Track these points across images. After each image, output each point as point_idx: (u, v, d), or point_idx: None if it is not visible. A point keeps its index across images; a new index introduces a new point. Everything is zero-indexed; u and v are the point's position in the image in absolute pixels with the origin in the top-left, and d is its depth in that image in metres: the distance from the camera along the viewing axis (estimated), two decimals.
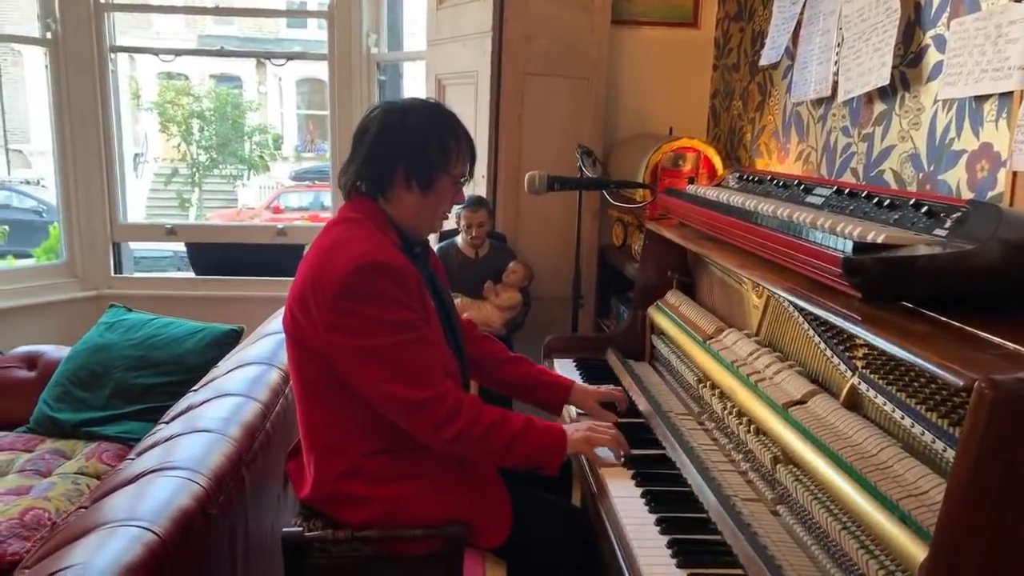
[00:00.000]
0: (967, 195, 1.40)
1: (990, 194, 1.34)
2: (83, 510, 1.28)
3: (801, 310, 1.42)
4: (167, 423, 1.68)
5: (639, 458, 1.53)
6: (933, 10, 1.50)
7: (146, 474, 1.34)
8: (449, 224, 2.16)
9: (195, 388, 1.91)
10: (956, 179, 1.43)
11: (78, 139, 3.14)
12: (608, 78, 2.61)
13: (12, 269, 3.42)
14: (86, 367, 2.28)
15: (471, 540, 1.50)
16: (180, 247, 6.46)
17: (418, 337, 1.45)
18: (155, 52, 4.04)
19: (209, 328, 2.38)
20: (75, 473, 1.96)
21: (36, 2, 3.07)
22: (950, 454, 1.01)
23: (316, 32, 17.54)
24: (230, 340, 2.35)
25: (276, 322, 2.21)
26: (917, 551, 0.91)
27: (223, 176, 11.82)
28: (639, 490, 1.39)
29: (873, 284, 1.09)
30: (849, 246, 1.11)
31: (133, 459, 1.49)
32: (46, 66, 3.12)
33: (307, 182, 15.20)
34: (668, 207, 1.88)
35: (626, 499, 1.38)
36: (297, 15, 11.65)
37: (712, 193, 1.81)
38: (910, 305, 1.09)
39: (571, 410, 1.76)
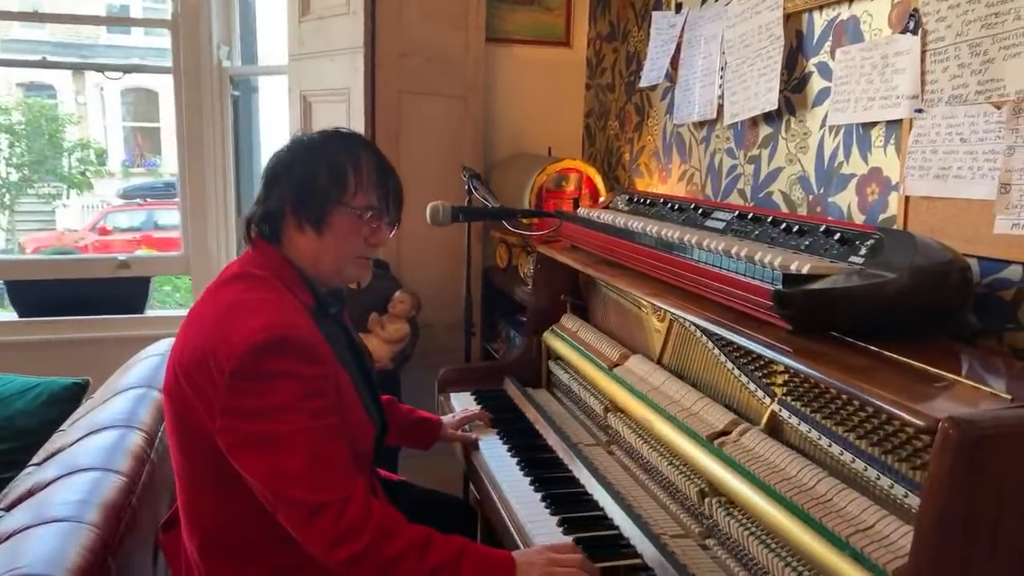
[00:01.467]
0: (858, 217, 1.45)
1: (882, 217, 1.39)
2: None
3: (712, 337, 1.42)
4: (5, 511, 1.41)
5: (561, 498, 1.45)
6: (815, 38, 1.55)
7: None
8: None
9: (36, 462, 1.62)
10: (847, 202, 1.48)
11: None
12: (484, 97, 2.55)
13: None
14: None
15: None
16: None
17: (324, 426, 1.22)
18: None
19: (45, 383, 2.05)
20: None
21: None
22: (884, 481, 1.02)
23: (143, 39, 16.32)
24: (72, 396, 2.05)
25: (131, 374, 1.95)
26: None
27: (40, 196, 10.63)
28: (568, 537, 1.31)
29: (803, 316, 1.08)
30: (778, 277, 1.10)
31: None
32: None
33: (138, 200, 14.07)
34: (566, 233, 1.83)
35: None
36: (138, 23, 10.63)
37: (608, 217, 1.79)
38: (836, 335, 1.10)
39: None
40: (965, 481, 0.78)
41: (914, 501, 0.96)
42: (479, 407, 1.86)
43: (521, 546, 1.31)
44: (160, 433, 1.69)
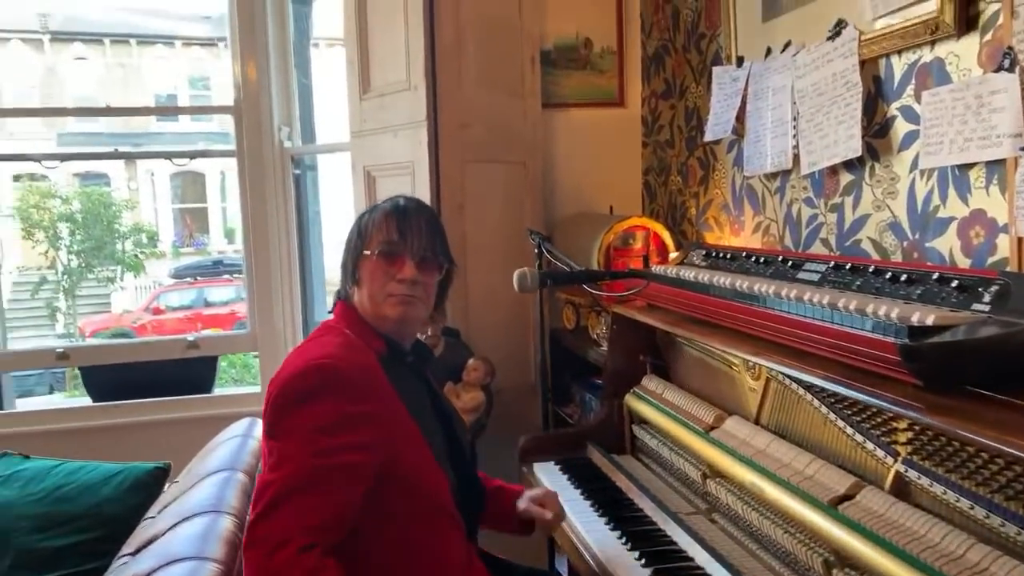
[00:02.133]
0: (962, 262, 1.39)
1: (990, 260, 1.33)
2: None
3: (819, 395, 1.36)
4: None
5: (670, 573, 1.38)
6: (896, 83, 1.52)
7: None
8: None
9: (129, 551, 1.61)
10: (948, 246, 1.42)
11: None
12: (543, 160, 2.56)
13: None
14: None
15: None
16: None
17: (322, 466, 1.24)
18: (38, 159, 3.68)
19: (128, 468, 2.06)
20: None
21: None
22: (1014, 532, 0.95)
23: (190, 124, 17.05)
24: (156, 480, 2.04)
25: (214, 457, 1.94)
26: None
27: (99, 280, 11.01)
28: None
29: (933, 370, 1.03)
30: (902, 330, 1.05)
31: None
32: None
33: (188, 279, 14.47)
34: (647, 293, 1.80)
35: None
36: (203, 111, 11.26)
37: (689, 273, 1.75)
38: (968, 388, 1.04)
39: None
40: None
41: None
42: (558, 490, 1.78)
43: None
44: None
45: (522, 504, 1.58)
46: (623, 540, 1.52)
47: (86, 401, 3.09)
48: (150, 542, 1.60)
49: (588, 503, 1.70)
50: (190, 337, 3.04)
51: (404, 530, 1.34)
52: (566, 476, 1.86)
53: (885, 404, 1.08)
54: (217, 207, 17.54)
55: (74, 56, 16.43)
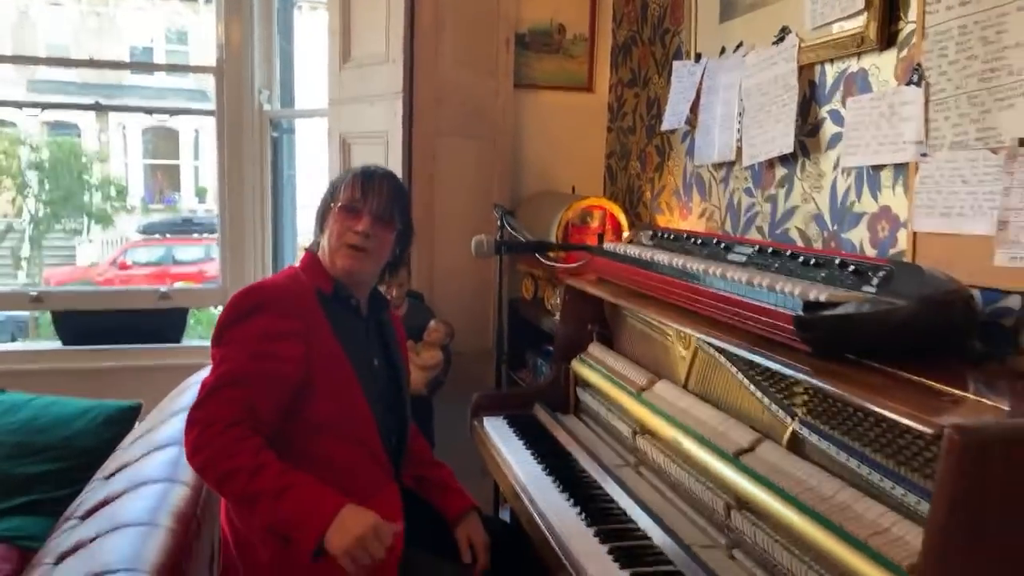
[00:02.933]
0: (870, 252, 1.57)
1: (892, 251, 1.51)
2: None
3: (735, 362, 1.53)
4: (80, 519, 1.52)
5: (596, 512, 1.55)
6: (827, 88, 1.69)
7: None
8: None
9: (102, 476, 1.74)
10: (859, 238, 1.60)
11: None
12: (512, 139, 2.70)
13: None
14: None
15: None
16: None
17: (248, 368, 1.46)
18: (19, 105, 3.68)
19: (101, 405, 2.18)
20: None
21: None
22: (898, 490, 1.12)
23: (164, 79, 16.75)
24: (127, 417, 2.17)
25: (186, 396, 2.07)
26: None
27: (66, 231, 10.89)
28: (604, 547, 1.41)
29: (822, 339, 1.20)
30: (798, 304, 1.22)
31: (51, 565, 1.33)
32: None
33: (157, 235, 14.32)
34: (594, 267, 1.95)
35: (591, 555, 1.40)
36: (184, 70, 11.21)
37: (634, 251, 1.91)
38: (852, 357, 1.21)
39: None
40: (969, 481, 0.89)
41: (925, 507, 1.06)
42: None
43: (563, 559, 1.41)
44: None
45: (459, 530, 1.71)
46: (559, 488, 1.68)
47: (56, 345, 3.18)
48: (123, 468, 1.74)
49: (529, 453, 1.87)
50: (163, 288, 3.14)
51: (325, 447, 1.54)
52: (512, 429, 2.02)
53: (780, 367, 1.25)
54: (189, 165, 17.36)
55: (48, 1, 16.04)
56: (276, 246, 3.20)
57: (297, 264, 1.71)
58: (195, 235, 14.62)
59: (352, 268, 1.61)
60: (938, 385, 1.06)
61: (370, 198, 1.61)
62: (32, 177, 9.71)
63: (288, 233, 3.32)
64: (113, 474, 1.73)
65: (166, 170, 17.06)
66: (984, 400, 1.02)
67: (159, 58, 17.45)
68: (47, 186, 9.92)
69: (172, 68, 16.55)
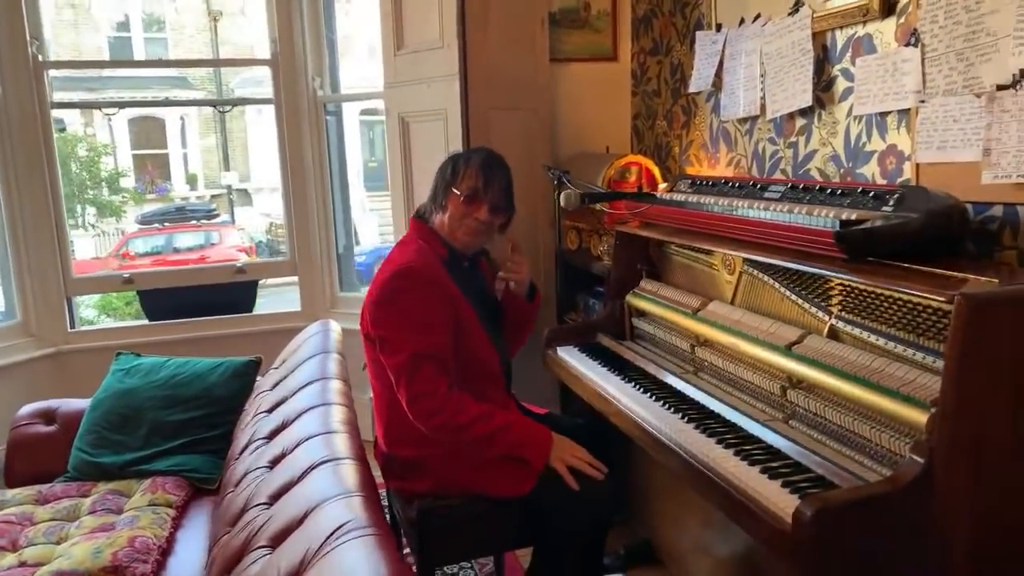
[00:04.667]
0: (881, 182, 1.95)
1: (899, 180, 1.89)
2: (266, 550, 1.39)
3: (777, 277, 1.91)
4: (266, 439, 1.90)
5: (675, 405, 1.94)
6: (838, 50, 2.05)
7: (305, 473, 1.56)
8: None
9: (264, 410, 2.11)
10: (871, 171, 1.98)
11: (25, 198, 3.13)
12: (551, 107, 3.04)
13: None
14: (115, 412, 2.38)
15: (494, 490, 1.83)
16: None
17: (426, 340, 1.81)
18: (99, 106, 3.96)
19: (228, 361, 2.54)
20: (148, 505, 2.09)
21: None
22: (919, 355, 1.51)
23: (145, 68, 16.73)
24: (250, 370, 2.53)
25: (308, 345, 2.43)
26: (919, 415, 1.39)
27: (75, 227, 11.11)
28: (690, 425, 1.81)
29: (856, 248, 1.58)
30: (835, 223, 1.60)
31: (267, 468, 1.71)
32: None
33: (156, 225, 14.49)
34: (646, 214, 2.32)
35: (683, 431, 1.79)
36: (244, 63, 11.29)
37: (681, 197, 2.28)
38: (875, 260, 1.59)
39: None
40: (974, 331, 1.28)
41: (940, 363, 1.44)
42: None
43: (664, 440, 1.79)
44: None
45: (501, 289, 2.17)
46: (635, 387, 2.07)
47: (144, 322, 3.52)
48: (279, 404, 2.11)
49: (605, 368, 2.25)
50: (238, 263, 3.48)
51: (464, 378, 1.90)
52: (584, 354, 2.40)
53: (826, 272, 1.63)
54: (178, 153, 17.43)
55: None
56: (335, 216, 3.53)
57: (408, 231, 2.05)
58: (192, 222, 14.79)
59: (472, 245, 1.99)
60: (945, 272, 1.44)
61: (490, 191, 1.92)
62: None
63: (340, 205, 3.65)
64: (272, 409, 2.10)
65: (155, 159, 17.14)
66: (979, 279, 1.40)
67: (138, 47, 17.43)
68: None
69: (230, 63, 16.52)
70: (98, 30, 16.82)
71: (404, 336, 1.82)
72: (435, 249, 1.95)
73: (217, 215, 15.91)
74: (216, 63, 18.16)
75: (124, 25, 17.19)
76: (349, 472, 1.50)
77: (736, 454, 1.63)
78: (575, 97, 3.14)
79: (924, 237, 1.56)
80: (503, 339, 2.12)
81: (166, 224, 14.50)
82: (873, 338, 1.62)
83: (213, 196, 17.26)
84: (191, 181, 17.54)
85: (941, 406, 1.32)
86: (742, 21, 2.41)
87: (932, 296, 1.34)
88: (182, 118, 16.96)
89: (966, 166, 1.68)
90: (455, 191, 1.94)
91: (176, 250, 13.66)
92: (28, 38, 3.12)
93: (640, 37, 3.12)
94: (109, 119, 16.22)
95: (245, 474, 1.80)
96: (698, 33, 2.61)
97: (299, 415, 1.93)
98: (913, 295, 1.45)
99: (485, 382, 1.97)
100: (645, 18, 3.06)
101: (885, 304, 1.59)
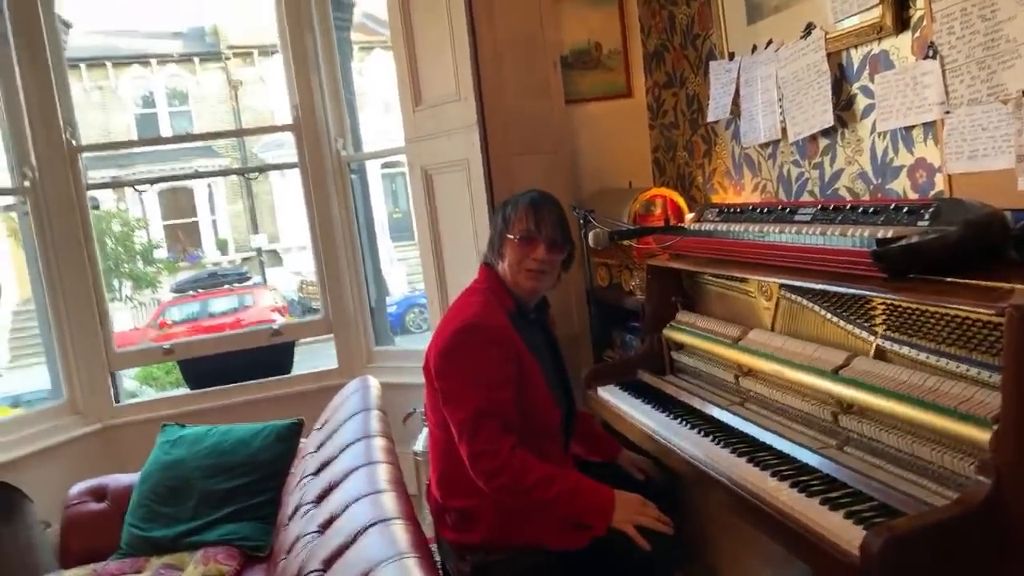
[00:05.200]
0: (912, 196, 1.92)
1: (932, 193, 1.86)
2: None
3: (816, 300, 1.88)
4: (314, 503, 1.89)
5: (724, 439, 1.90)
6: (855, 69, 2.05)
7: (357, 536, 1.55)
8: None
9: (310, 473, 2.11)
10: (902, 186, 1.95)
11: (66, 278, 3.22)
12: (570, 148, 3.07)
13: (13, 418, 3.38)
14: (163, 484, 2.40)
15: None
16: None
17: (492, 396, 1.77)
18: (131, 184, 4.09)
19: (270, 426, 2.55)
20: None
21: (9, 152, 3.17)
22: (972, 371, 1.47)
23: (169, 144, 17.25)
24: (294, 433, 2.54)
25: (348, 404, 2.44)
26: (981, 433, 1.34)
27: (112, 299, 11.39)
28: (742, 459, 1.77)
29: (895, 266, 1.55)
30: (872, 242, 1.57)
31: (317, 534, 1.70)
32: (26, 212, 3.20)
33: (191, 292, 14.80)
34: (676, 246, 2.31)
35: (735, 466, 1.74)
36: (269, 131, 11.54)
37: (710, 227, 2.27)
38: (916, 276, 1.56)
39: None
40: None
41: (996, 378, 1.40)
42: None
43: (714, 475, 1.75)
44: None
45: (622, 459, 2.15)
46: (681, 423, 2.04)
47: (186, 391, 3.57)
48: (325, 465, 2.11)
49: (649, 406, 2.22)
50: (275, 326, 3.52)
51: (524, 436, 1.85)
52: (627, 392, 2.38)
53: (866, 292, 1.60)
54: (207, 220, 17.89)
55: None
56: (367, 274, 3.57)
57: (477, 277, 2.01)
58: (225, 286, 15.09)
59: (536, 289, 1.95)
60: (991, 283, 1.41)
61: (544, 229, 1.88)
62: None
63: (371, 260, 3.70)
64: (318, 471, 2.10)
65: (185, 228, 17.59)
66: None
67: (163, 121, 18.03)
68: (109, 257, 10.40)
69: (254, 132, 17.04)
70: (124, 109, 17.48)
71: (468, 392, 1.79)
72: (502, 301, 1.93)
73: (249, 278, 16.23)
74: (240, 133, 18.74)
75: (149, 100, 17.85)
76: (400, 533, 1.49)
77: (792, 486, 1.58)
78: (593, 135, 3.17)
79: (964, 249, 1.53)
80: (568, 396, 2.09)
81: (200, 291, 14.82)
82: (923, 356, 1.58)
83: (244, 259, 17.63)
84: (221, 246, 17.93)
85: (1003, 422, 1.28)
86: (754, 48, 2.42)
87: (981, 310, 1.31)
88: (209, 186, 17.45)
89: (1000, 174, 1.65)
90: (509, 236, 1.91)
91: (211, 315, 13.93)
92: (62, 124, 3.25)
93: (653, 71, 3.15)
94: (140, 194, 16.74)
95: (297, 539, 1.80)
96: (711, 63, 2.63)
97: (346, 475, 1.92)
98: (961, 310, 1.41)
99: (544, 440, 1.93)
100: (656, 53, 3.09)
101: (932, 320, 1.56)
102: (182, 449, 2.49)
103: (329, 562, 1.53)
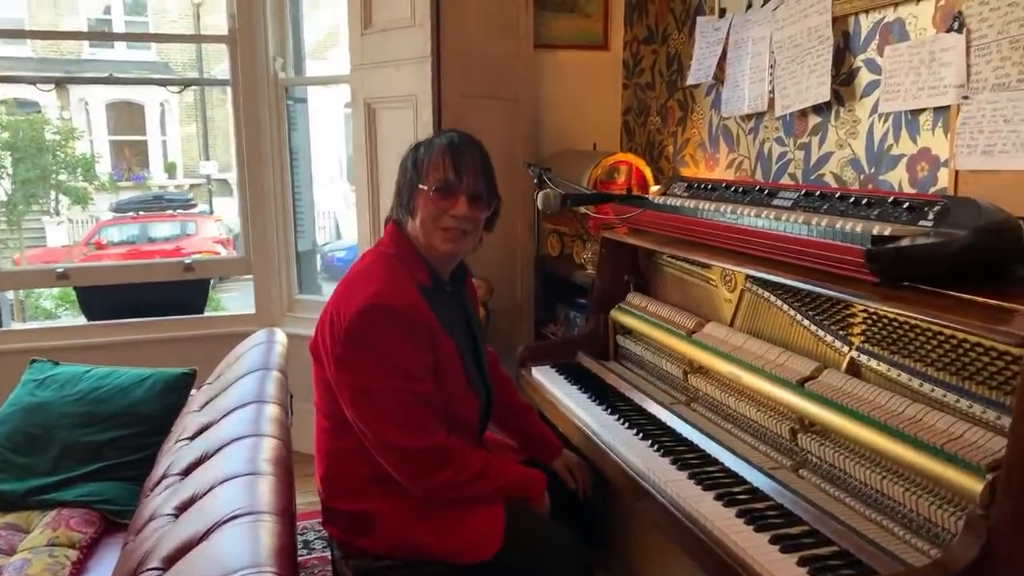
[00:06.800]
0: (909, 191, 1.68)
1: (932, 189, 1.62)
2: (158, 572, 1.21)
3: (786, 298, 1.64)
4: (180, 475, 1.60)
5: (665, 445, 1.66)
6: (862, 38, 1.78)
7: (212, 530, 1.27)
8: None
9: (185, 437, 1.81)
10: (897, 179, 1.71)
11: None
12: (533, 99, 2.76)
13: None
14: (21, 430, 2.07)
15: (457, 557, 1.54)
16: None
17: (413, 389, 1.50)
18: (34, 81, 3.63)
19: (157, 373, 2.23)
20: (46, 546, 1.78)
21: None
22: (963, 403, 1.24)
23: (125, 52, 16.31)
24: (184, 384, 2.22)
25: (247, 358, 2.13)
26: (972, 482, 1.12)
27: (44, 212, 10.71)
28: (683, 473, 1.53)
29: (890, 270, 1.30)
30: (866, 239, 1.32)
31: (172, 516, 1.41)
32: None
33: (131, 213, 14.09)
34: (640, 219, 2.04)
35: (676, 482, 1.51)
36: (198, 40, 10.54)
37: (677, 202, 2.00)
38: (911, 284, 1.32)
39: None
40: None
41: (992, 415, 1.18)
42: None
43: (647, 487, 1.51)
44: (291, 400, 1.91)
45: (557, 464, 1.83)
46: (620, 421, 1.80)
47: (83, 321, 3.20)
48: (203, 429, 1.81)
49: (585, 396, 1.97)
50: (187, 260, 3.16)
51: None
52: (563, 376, 2.12)
53: (852, 298, 1.36)
54: (157, 140, 17.00)
55: None
56: (296, 212, 3.23)
57: (382, 237, 1.66)
58: (169, 211, 14.41)
59: (454, 252, 1.61)
60: (1001, 303, 1.17)
61: (464, 178, 1.54)
62: (6, 157, 9.47)
63: (305, 200, 3.35)
64: (194, 436, 1.80)
65: (133, 146, 16.71)
66: None
67: (118, 29, 16.97)
68: (22, 166, 9.69)
69: (187, 39, 16.02)
70: (77, 13, 16.39)
71: (383, 385, 1.48)
72: (413, 272, 1.58)
73: (194, 205, 15.58)
74: (167, 38, 17.66)
75: (107, 9, 16.77)
76: (265, 536, 1.21)
77: (740, 515, 1.35)
78: (561, 88, 2.86)
79: (971, 259, 1.29)
80: (483, 377, 1.74)
81: (141, 213, 14.12)
82: (904, 377, 1.35)
83: (192, 186, 16.92)
84: (170, 170, 17.16)
85: (1005, 474, 1.05)
86: (750, 5, 2.14)
87: (995, 336, 1.07)
88: (162, 104, 16.55)
89: (1018, 175, 1.42)
90: (422, 187, 1.56)
91: (151, 240, 13.29)
92: None
93: (634, 24, 2.84)
94: (85, 103, 15.78)
95: (151, 519, 1.50)
96: (699, 19, 2.34)
97: (223, 446, 1.62)
98: (960, 330, 1.17)
99: (459, 432, 1.62)
100: (640, 2, 2.78)
101: (921, 338, 1.33)
102: (50, 391, 2.16)
103: (171, 560, 1.25)
